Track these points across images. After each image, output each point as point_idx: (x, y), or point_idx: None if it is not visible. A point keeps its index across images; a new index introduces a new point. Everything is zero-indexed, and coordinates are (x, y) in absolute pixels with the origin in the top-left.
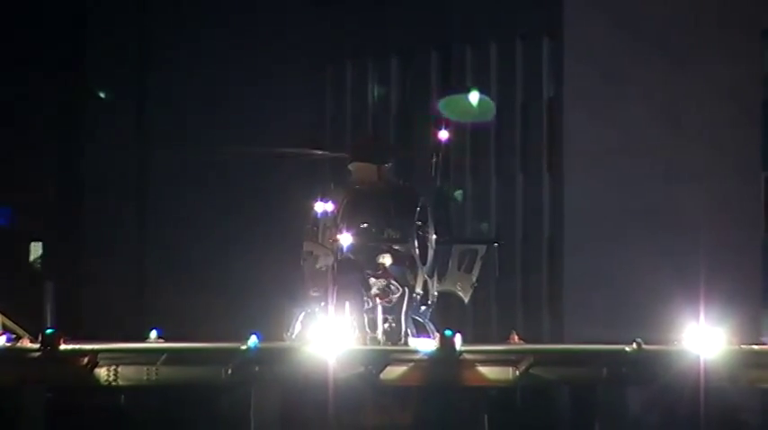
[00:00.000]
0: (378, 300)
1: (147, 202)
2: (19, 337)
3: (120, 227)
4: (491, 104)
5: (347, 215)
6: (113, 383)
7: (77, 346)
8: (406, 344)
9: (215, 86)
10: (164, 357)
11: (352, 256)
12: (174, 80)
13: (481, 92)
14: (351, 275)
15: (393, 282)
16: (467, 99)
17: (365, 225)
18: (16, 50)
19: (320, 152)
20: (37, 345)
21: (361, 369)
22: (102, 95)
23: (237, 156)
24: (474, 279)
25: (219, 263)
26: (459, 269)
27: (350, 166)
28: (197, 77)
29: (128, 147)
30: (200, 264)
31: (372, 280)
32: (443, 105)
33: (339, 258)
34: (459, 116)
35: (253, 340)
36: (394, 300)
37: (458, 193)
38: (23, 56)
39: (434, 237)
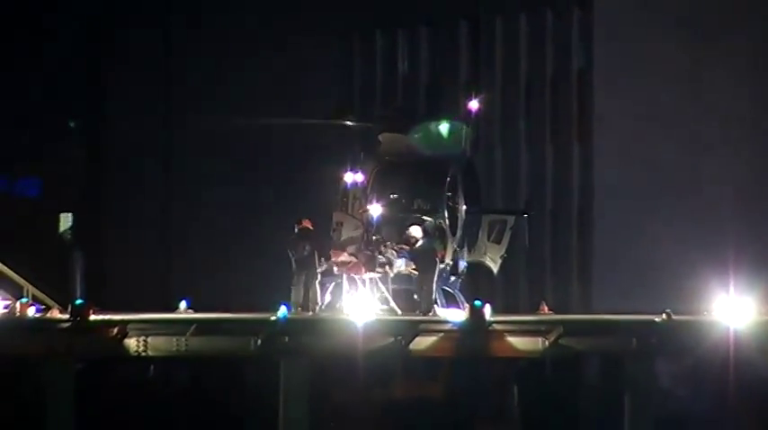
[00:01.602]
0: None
1: (176, 173)
2: (48, 308)
3: (148, 197)
4: (463, 131)
5: (377, 186)
6: (143, 354)
7: (107, 317)
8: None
9: (243, 57)
10: (193, 328)
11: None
12: (202, 50)
13: (451, 121)
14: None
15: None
16: (438, 128)
17: (395, 196)
18: (42, 19)
19: (350, 123)
20: (66, 316)
21: (391, 339)
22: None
23: (266, 127)
24: (503, 250)
25: (249, 233)
26: (488, 240)
27: (379, 137)
28: (225, 48)
29: (156, 117)
30: (229, 235)
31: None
32: (416, 135)
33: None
34: (432, 146)
35: (282, 311)
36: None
37: None
38: (48, 26)
39: (464, 207)
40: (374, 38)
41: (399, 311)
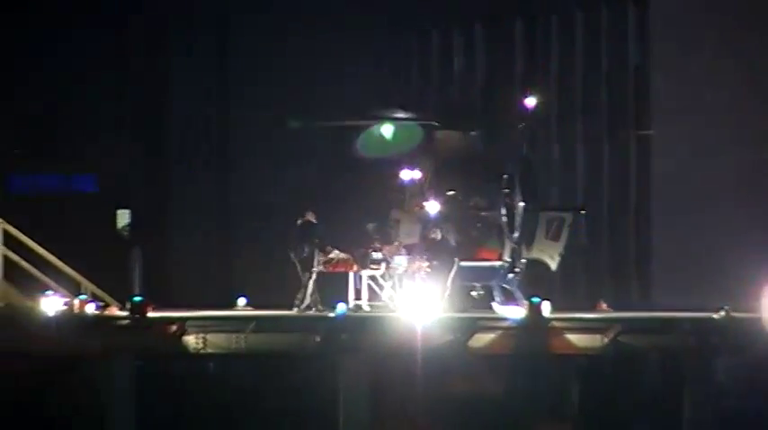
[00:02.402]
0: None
1: (233, 170)
2: (107, 305)
3: (206, 194)
4: (410, 131)
5: (434, 183)
6: (202, 351)
7: (165, 314)
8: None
9: (300, 56)
10: (252, 325)
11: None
12: (259, 47)
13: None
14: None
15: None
16: (380, 133)
17: (452, 193)
18: (100, 18)
19: (407, 120)
20: (125, 313)
21: (450, 336)
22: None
23: (324, 124)
24: (561, 247)
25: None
26: (546, 237)
27: (436, 134)
28: (281, 45)
29: (214, 114)
30: (287, 232)
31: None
32: (362, 144)
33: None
34: (378, 150)
35: (341, 308)
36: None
37: None
38: (108, 23)
39: (521, 204)
40: (430, 35)
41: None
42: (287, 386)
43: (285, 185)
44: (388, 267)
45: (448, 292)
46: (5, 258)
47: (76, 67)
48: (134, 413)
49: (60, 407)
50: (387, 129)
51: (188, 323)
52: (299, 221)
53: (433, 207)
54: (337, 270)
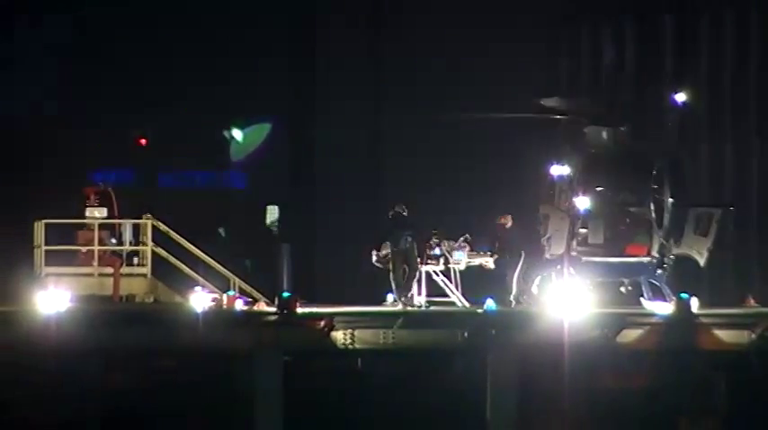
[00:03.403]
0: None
1: (381, 167)
2: (255, 301)
3: (356, 190)
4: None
5: (583, 179)
6: (350, 347)
7: (314, 310)
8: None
9: (447, 52)
10: (400, 321)
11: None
12: (407, 43)
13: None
14: None
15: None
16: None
17: (600, 188)
18: (245, 18)
19: (556, 115)
20: (273, 309)
21: (597, 332)
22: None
23: (471, 121)
24: (710, 242)
25: (455, 224)
26: (694, 232)
27: (586, 130)
28: (430, 42)
29: (363, 112)
30: (435, 227)
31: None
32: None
33: None
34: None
35: (489, 304)
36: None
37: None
38: (250, 20)
39: (670, 200)
40: (579, 29)
41: (466, 304)
42: (435, 381)
43: (434, 181)
44: (447, 262)
45: (514, 294)
46: (155, 254)
47: (222, 64)
48: (281, 408)
49: (209, 403)
50: (237, 133)
51: (336, 319)
52: (390, 214)
53: (581, 203)
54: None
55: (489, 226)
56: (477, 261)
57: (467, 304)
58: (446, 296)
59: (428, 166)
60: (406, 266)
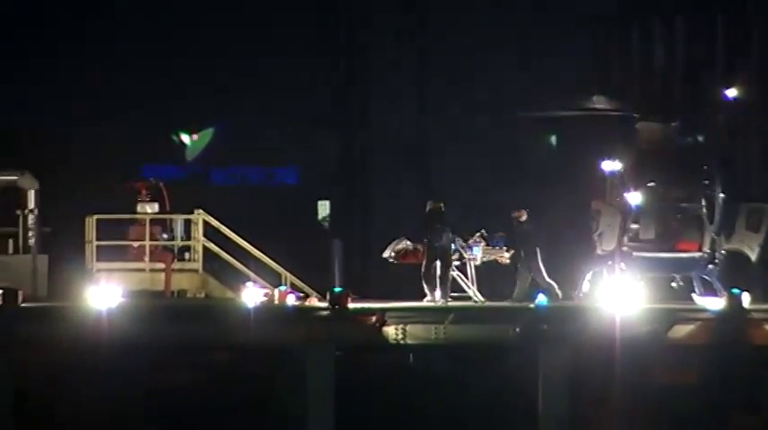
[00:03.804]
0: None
1: (430, 163)
2: (307, 296)
3: (404, 185)
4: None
5: (634, 174)
6: (401, 342)
7: (365, 305)
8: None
9: (490, 48)
10: (451, 316)
11: None
12: (455, 40)
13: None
14: None
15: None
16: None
17: (652, 184)
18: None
19: (607, 111)
20: (325, 304)
21: (648, 328)
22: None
23: (520, 118)
24: (761, 238)
25: (509, 221)
26: (746, 228)
27: (637, 126)
28: (472, 37)
29: (411, 109)
30: (489, 223)
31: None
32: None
33: None
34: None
35: (541, 299)
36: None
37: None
38: (295, 20)
39: (721, 196)
40: (631, 26)
41: (481, 299)
42: (486, 377)
43: (482, 175)
44: (462, 258)
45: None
46: (206, 250)
47: (275, 62)
48: (333, 403)
49: (260, 398)
50: (185, 138)
51: (388, 314)
52: (428, 208)
53: (633, 198)
54: (407, 261)
55: (504, 221)
56: (492, 256)
57: (482, 299)
58: (462, 291)
59: (477, 164)
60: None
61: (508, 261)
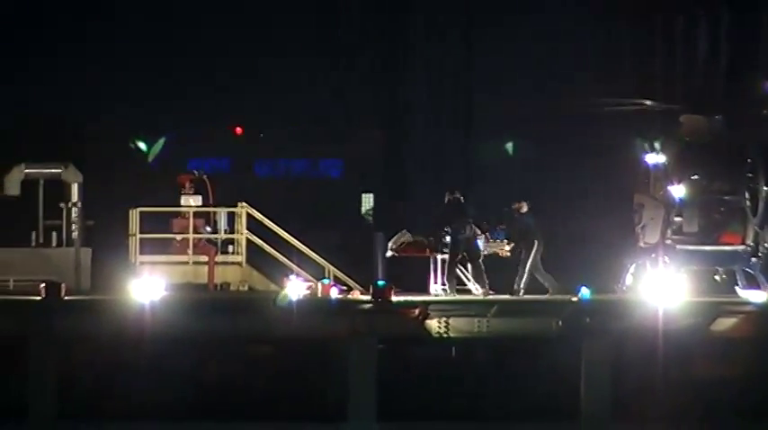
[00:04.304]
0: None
1: (476, 154)
2: (350, 289)
3: (447, 179)
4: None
5: (677, 167)
6: (444, 335)
7: (408, 298)
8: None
9: (539, 42)
10: (494, 309)
11: None
12: (498, 36)
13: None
14: None
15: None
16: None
17: (695, 177)
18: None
19: (651, 104)
20: (368, 297)
21: (692, 320)
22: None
23: (569, 110)
24: None
25: (551, 214)
26: None
27: (681, 118)
28: (523, 35)
29: (455, 99)
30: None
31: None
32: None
33: None
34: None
35: (584, 292)
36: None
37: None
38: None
39: (765, 188)
40: (675, 20)
41: (480, 291)
42: (528, 370)
43: (528, 171)
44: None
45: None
46: (249, 242)
47: (319, 60)
48: (375, 396)
49: (303, 391)
50: (142, 144)
51: (431, 307)
52: (448, 199)
53: (676, 191)
54: (408, 253)
55: (505, 212)
56: (493, 249)
57: (482, 290)
58: (462, 284)
59: (520, 157)
60: (464, 254)
61: (509, 254)
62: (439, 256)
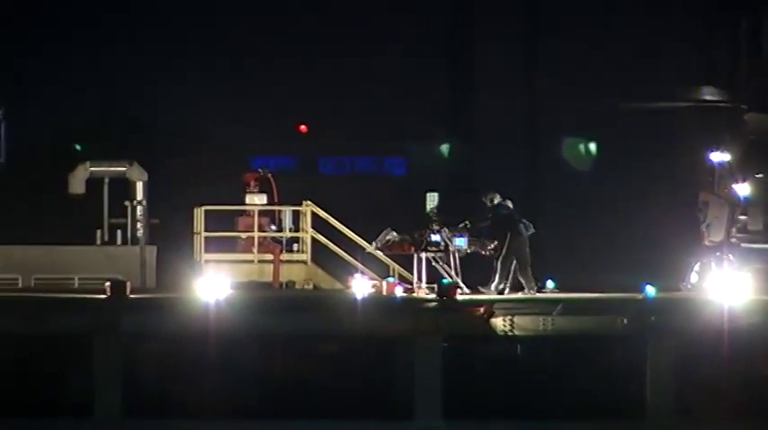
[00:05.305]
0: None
1: (538, 151)
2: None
3: (511, 177)
4: None
5: (742, 165)
6: (509, 333)
7: (473, 297)
8: None
9: (603, 44)
10: (559, 307)
11: None
12: (561, 32)
13: None
14: None
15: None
16: None
17: (760, 175)
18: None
19: (716, 103)
20: (433, 296)
21: (757, 319)
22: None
23: (630, 110)
24: None
25: (615, 213)
26: None
27: (745, 117)
28: (589, 31)
29: (522, 100)
30: (594, 214)
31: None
32: None
33: None
34: None
35: (650, 290)
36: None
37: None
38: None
39: None
40: (739, 18)
41: (466, 290)
42: (593, 368)
43: (593, 166)
44: (447, 249)
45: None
46: (314, 241)
47: (391, 61)
48: (440, 394)
49: (368, 388)
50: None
51: (496, 305)
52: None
53: (741, 189)
54: (394, 252)
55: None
56: (476, 247)
57: (467, 290)
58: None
59: (585, 149)
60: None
61: (491, 252)
62: (423, 255)
